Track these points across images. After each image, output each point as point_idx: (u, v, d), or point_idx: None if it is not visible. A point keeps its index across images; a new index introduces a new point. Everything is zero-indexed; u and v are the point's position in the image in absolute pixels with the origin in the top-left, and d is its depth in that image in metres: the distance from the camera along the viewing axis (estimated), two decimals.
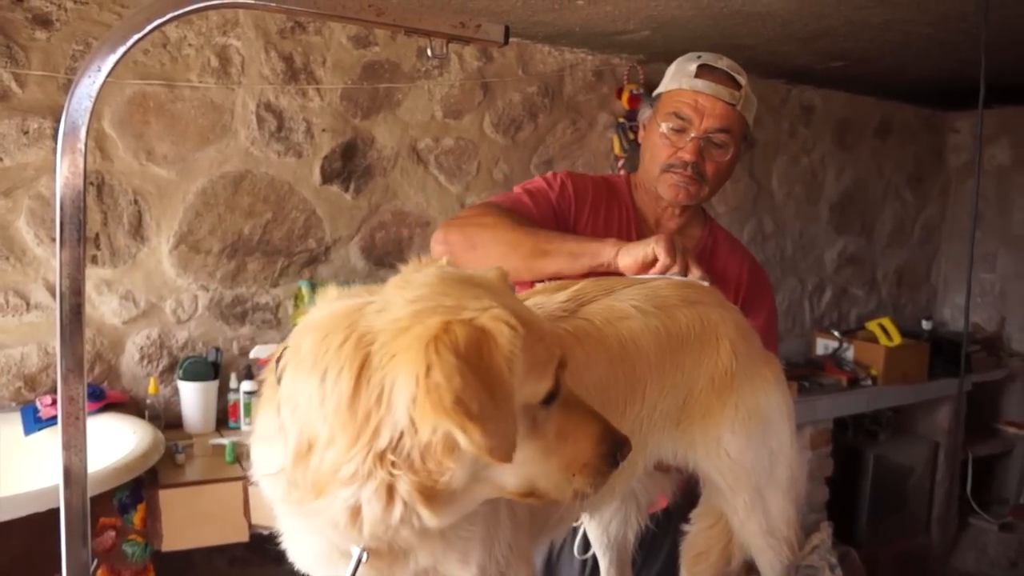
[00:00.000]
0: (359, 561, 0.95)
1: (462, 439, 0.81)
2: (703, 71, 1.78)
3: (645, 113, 1.92)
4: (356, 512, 0.88)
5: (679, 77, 1.80)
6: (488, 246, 1.65)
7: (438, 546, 0.99)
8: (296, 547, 1.06)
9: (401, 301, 0.89)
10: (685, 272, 1.45)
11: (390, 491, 0.87)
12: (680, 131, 1.79)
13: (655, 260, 1.47)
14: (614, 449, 0.98)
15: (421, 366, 0.82)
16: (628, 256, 1.51)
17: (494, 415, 0.83)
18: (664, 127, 1.80)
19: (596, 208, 1.87)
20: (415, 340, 0.84)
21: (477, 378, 0.83)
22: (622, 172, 2.02)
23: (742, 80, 1.79)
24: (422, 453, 0.85)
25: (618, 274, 1.53)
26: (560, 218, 1.83)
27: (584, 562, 1.91)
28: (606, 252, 1.55)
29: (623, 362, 1.25)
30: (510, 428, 0.86)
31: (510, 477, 0.93)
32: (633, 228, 1.89)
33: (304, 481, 0.89)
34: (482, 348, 0.85)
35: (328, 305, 0.95)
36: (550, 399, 0.94)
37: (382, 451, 0.84)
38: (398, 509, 0.87)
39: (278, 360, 0.95)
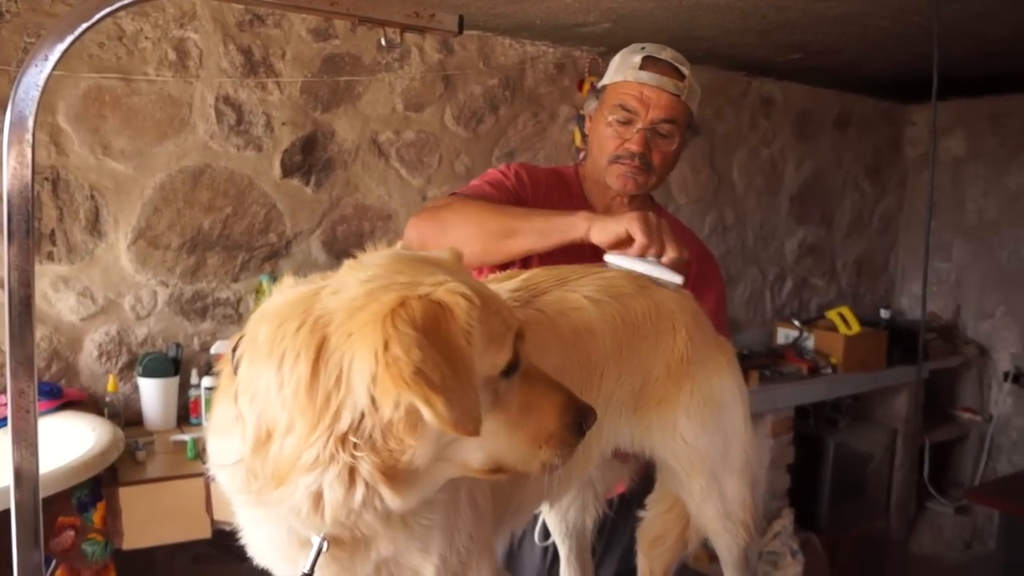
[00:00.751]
0: (319, 551, 0.95)
1: (426, 412, 0.81)
2: (647, 63, 1.80)
3: (591, 105, 1.94)
4: (318, 498, 0.87)
5: (624, 69, 1.83)
6: (459, 227, 1.65)
7: (400, 533, 0.98)
8: (254, 539, 1.05)
9: (355, 282, 0.89)
10: (661, 252, 1.45)
11: (352, 474, 0.86)
12: (626, 122, 1.81)
13: (630, 240, 1.46)
14: (579, 418, 0.98)
15: (379, 341, 0.81)
16: (602, 234, 1.50)
17: (456, 387, 0.83)
18: (611, 118, 1.83)
19: (549, 200, 1.89)
20: (371, 317, 0.83)
21: (437, 350, 0.83)
22: (581, 160, 2.04)
23: (686, 71, 1.83)
24: (384, 432, 0.85)
25: (593, 250, 1.54)
26: (520, 207, 1.84)
27: (545, 549, 1.93)
28: (578, 227, 1.54)
29: (577, 350, 1.25)
30: (473, 400, 0.86)
31: (475, 453, 0.92)
32: (576, 206, 1.90)
33: (264, 470, 0.88)
34: (439, 321, 0.85)
35: (283, 293, 0.94)
36: (510, 371, 0.93)
37: (343, 434, 0.84)
38: (360, 492, 0.87)
39: (234, 350, 0.94)
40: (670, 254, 1.46)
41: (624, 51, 1.87)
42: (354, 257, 0.97)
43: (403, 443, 0.85)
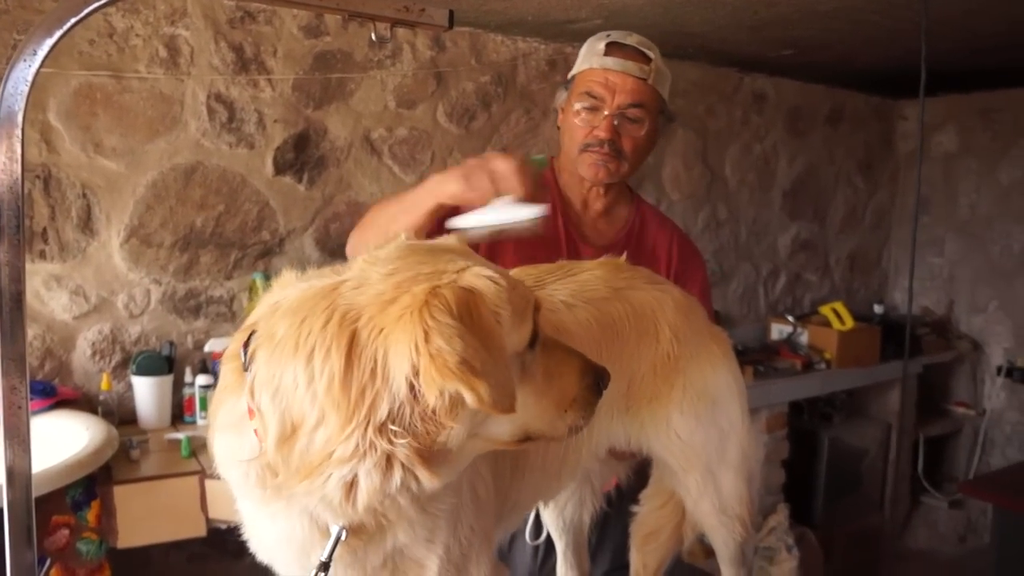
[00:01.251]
0: (337, 539, 0.96)
1: (470, 398, 0.83)
2: (612, 48, 1.80)
3: (561, 97, 1.94)
4: (351, 487, 0.88)
5: (589, 57, 1.83)
6: (369, 227, 1.68)
7: (419, 519, 1.00)
8: (263, 535, 1.05)
9: (378, 276, 0.90)
10: (494, 192, 1.43)
11: (389, 461, 0.87)
12: (594, 110, 1.81)
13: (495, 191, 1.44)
14: (596, 379, 1.02)
15: (419, 333, 0.83)
16: (440, 194, 1.51)
17: (494, 370, 0.85)
18: (578, 107, 1.83)
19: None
20: (405, 310, 0.85)
21: (475, 336, 0.85)
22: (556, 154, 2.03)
23: (652, 54, 1.81)
24: (423, 418, 0.86)
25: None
26: None
27: (536, 547, 1.93)
28: (425, 198, 1.54)
29: None
30: (509, 379, 0.89)
31: (506, 426, 0.95)
32: (559, 213, 1.91)
33: (288, 464, 0.89)
34: (472, 307, 0.87)
35: (291, 289, 0.95)
36: (533, 342, 0.97)
37: (382, 423, 0.85)
38: (397, 476, 0.88)
39: (245, 346, 0.94)
40: (508, 189, 1.42)
41: (590, 39, 1.87)
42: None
43: (440, 426, 0.87)
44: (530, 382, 0.96)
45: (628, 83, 1.78)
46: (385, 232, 1.55)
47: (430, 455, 0.88)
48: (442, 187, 1.52)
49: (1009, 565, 2.89)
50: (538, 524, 1.81)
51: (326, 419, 0.86)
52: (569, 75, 1.92)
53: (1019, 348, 5.04)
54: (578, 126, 1.84)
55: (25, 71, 0.78)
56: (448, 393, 0.84)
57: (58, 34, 0.80)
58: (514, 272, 1.35)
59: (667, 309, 1.42)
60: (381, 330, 0.85)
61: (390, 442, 0.86)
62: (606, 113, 1.79)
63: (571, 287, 1.35)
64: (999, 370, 5.06)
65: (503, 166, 1.44)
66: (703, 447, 1.42)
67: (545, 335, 1.01)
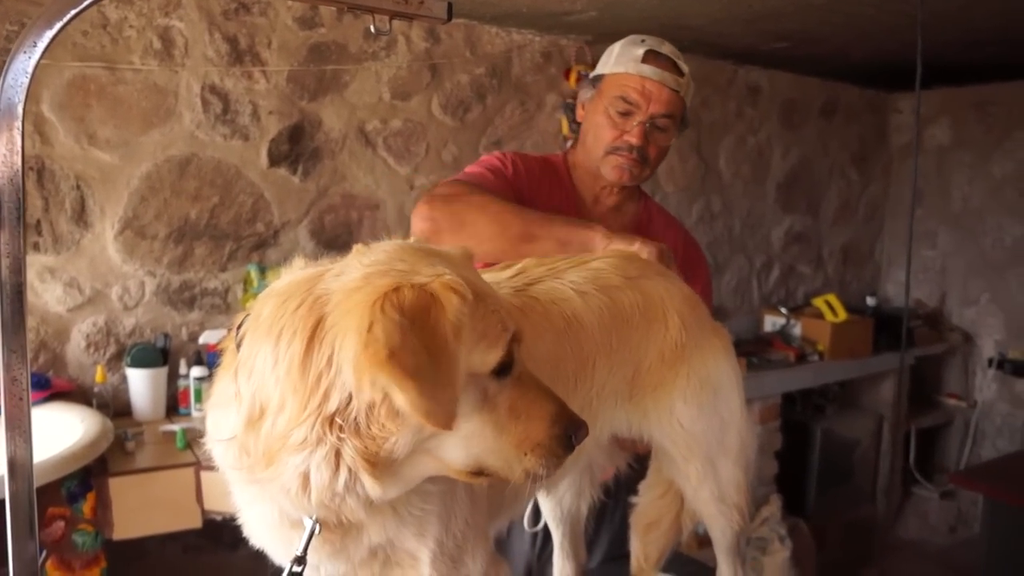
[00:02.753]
0: (312, 533, 0.95)
1: (398, 396, 0.82)
2: (649, 56, 1.82)
3: (587, 93, 1.94)
4: (306, 479, 0.88)
5: (625, 61, 1.84)
6: (477, 225, 1.63)
7: (390, 521, 0.99)
8: (249, 519, 1.05)
9: (357, 266, 0.91)
10: None
11: (337, 458, 0.87)
12: (626, 114, 1.83)
13: None
14: (569, 431, 0.97)
15: (365, 322, 0.82)
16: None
17: (433, 377, 0.83)
18: (611, 110, 1.84)
19: (541, 189, 1.90)
20: (363, 298, 0.85)
21: (418, 338, 0.83)
22: (569, 147, 2.04)
23: (684, 67, 1.85)
24: (367, 415, 0.85)
25: None
26: (518, 198, 1.84)
27: (534, 535, 1.94)
28: (596, 244, 1.56)
29: (569, 339, 1.26)
30: (450, 394, 0.86)
31: (457, 451, 0.92)
32: (572, 209, 1.92)
33: (256, 448, 0.89)
34: (428, 311, 0.86)
35: (291, 274, 0.96)
36: (501, 371, 0.93)
37: (331, 415, 0.85)
38: (343, 476, 0.87)
39: (239, 327, 0.95)
40: None
41: (624, 42, 1.88)
42: (344, 250, 0.98)
43: (384, 429, 0.86)
44: (491, 412, 0.92)
45: (664, 93, 1.81)
46: (499, 246, 1.57)
47: (376, 461, 0.87)
48: (584, 233, 1.57)
49: (998, 555, 2.91)
50: (536, 511, 1.82)
51: (286, 403, 0.86)
52: (594, 73, 1.93)
53: (1010, 340, 5.07)
54: (607, 127, 1.86)
55: (25, 63, 0.78)
56: (380, 387, 0.83)
57: (58, 26, 0.80)
58: (529, 261, 1.36)
59: (676, 298, 1.43)
60: (344, 314, 0.85)
61: (338, 437, 0.85)
62: (639, 120, 1.82)
63: (584, 275, 1.35)
64: (990, 362, 5.09)
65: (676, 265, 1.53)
66: (704, 436, 1.43)
67: (525, 371, 0.98)
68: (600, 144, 1.87)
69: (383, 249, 0.94)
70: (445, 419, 0.84)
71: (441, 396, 0.84)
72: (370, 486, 0.88)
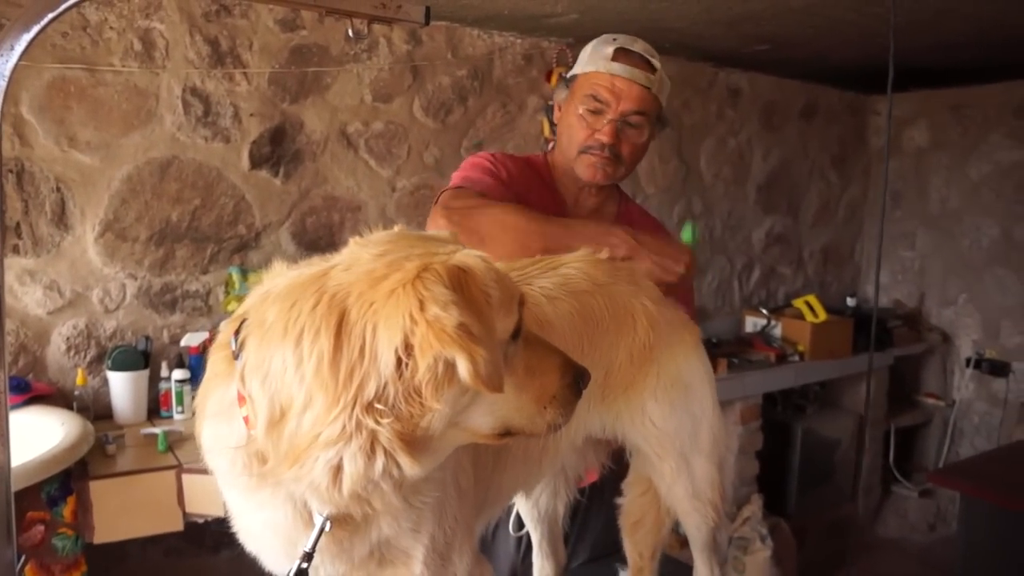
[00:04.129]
0: (321, 530, 0.96)
1: (466, 367, 0.83)
2: (620, 54, 1.81)
3: (561, 94, 1.94)
4: (337, 472, 0.89)
5: (596, 59, 1.84)
6: (497, 241, 1.61)
7: (402, 510, 1.00)
8: (250, 525, 1.05)
9: (369, 256, 0.91)
10: None
11: (373, 445, 0.88)
12: (597, 113, 1.83)
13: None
14: (577, 378, 1.02)
15: (414, 303, 0.84)
16: (624, 249, 1.56)
17: (489, 342, 0.86)
18: (582, 109, 1.84)
19: (531, 190, 1.90)
20: (398, 283, 0.86)
21: (470, 308, 0.86)
22: (550, 148, 2.05)
23: (656, 63, 1.84)
24: (407, 396, 0.86)
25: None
26: (514, 200, 1.83)
27: (519, 539, 1.95)
28: (620, 245, 1.56)
29: None
30: (499, 358, 0.89)
31: (485, 417, 0.95)
32: (557, 210, 1.92)
33: (277, 450, 0.90)
34: (464, 282, 0.88)
35: (282, 277, 0.96)
36: (516, 334, 0.97)
37: (369, 402, 0.86)
38: (379, 461, 0.88)
39: (236, 334, 0.95)
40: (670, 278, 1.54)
41: (596, 41, 1.88)
42: (326, 252, 0.99)
43: (424, 407, 0.87)
44: (512, 375, 0.96)
45: (634, 91, 1.80)
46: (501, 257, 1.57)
47: (412, 440, 0.89)
48: (607, 239, 1.55)
49: (975, 552, 2.94)
50: (521, 516, 1.83)
51: (313, 401, 0.86)
52: (570, 73, 1.93)
53: (988, 340, 5.12)
54: (579, 127, 1.85)
55: (3, 67, 0.79)
56: (441, 362, 0.84)
57: (35, 29, 0.80)
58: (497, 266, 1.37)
59: (643, 298, 1.44)
60: (371, 304, 0.86)
61: (376, 422, 0.86)
62: (610, 118, 1.81)
63: (554, 280, 1.37)
64: (968, 362, 5.14)
65: (681, 260, 1.55)
66: (676, 433, 1.44)
67: (528, 331, 1.02)
68: (573, 144, 1.87)
69: (384, 240, 0.96)
70: (500, 382, 0.88)
71: (497, 361, 0.87)
72: (408, 465, 0.90)
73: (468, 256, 0.92)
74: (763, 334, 4.60)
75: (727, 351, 4.27)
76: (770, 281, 5.17)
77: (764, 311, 4.72)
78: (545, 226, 1.66)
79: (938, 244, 5.32)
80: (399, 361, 0.85)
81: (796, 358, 4.45)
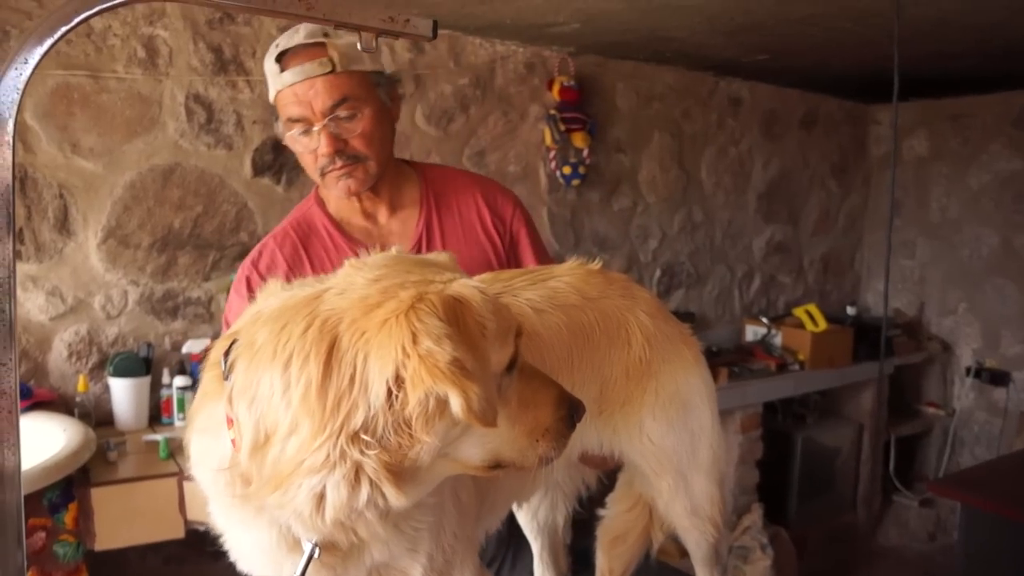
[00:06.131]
0: (311, 556, 0.95)
1: (458, 402, 0.82)
2: (284, 59, 1.59)
3: (278, 129, 1.71)
4: (320, 500, 0.87)
5: (272, 80, 1.63)
6: None
7: (393, 537, 0.99)
8: (239, 543, 1.05)
9: (363, 281, 0.90)
10: None
11: (357, 475, 0.86)
12: (306, 132, 1.61)
13: None
14: (571, 411, 1.00)
15: (406, 335, 0.82)
16: None
17: (482, 376, 0.84)
18: (291, 135, 1.63)
19: (300, 265, 1.70)
20: (391, 314, 0.84)
21: (464, 342, 0.84)
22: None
23: (327, 39, 1.57)
24: (396, 428, 0.85)
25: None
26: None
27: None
28: None
29: (531, 353, 1.26)
30: (493, 392, 0.87)
31: (475, 449, 0.93)
32: (344, 248, 1.71)
33: (260, 474, 0.88)
34: (459, 314, 0.86)
35: (275, 297, 0.95)
36: (511, 366, 0.95)
37: (355, 432, 0.84)
38: (364, 491, 0.87)
39: (226, 354, 0.94)
40: None
41: (265, 58, 1.66)
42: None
43: (413, 439, 0.86)
44: (505, 407, 0.94)
45: (317, 85, 1.56)
46: None
47: (399, 471, 0.87)
48: None
49: (975, 562, 2.94)
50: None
51: (299, 427, 0.85)
52: (271, 102, 1.70)
53: (987, 349, 5.13)
54: (303, 154, 1.65)
55: (16, 79, 0.79)
56: (432, 398, 0.83)
57: (49, 42, 0.81)
58: (480, 278, 1.34)
59: (638, 313, 1.43)
60: (363, 334, 0.84)
61: (362, 452, 0.85)
62: (317, 129, 1.59)
63: (541, 293, 1.34)
64: (968, 371, 5.15)
65: None
66: (675, 451, 1.43)
67: (524, 362, 1.00)
68: (313, 172, 1.66)
69: (380, 263, 0.94)
70: (494, 417, 0.86)
71: (491, 395, 0.86)
72: (393, 496, 0.88)
73: (464, 286, 0.90)
74: (763, 343, 4.61)
75: (727, 360, 4.27)
76: (770, 290, 5.18)
77: (764, 320, 4.73)
78: None
79: (938, 253, 5.33)
80: (389, 393, 0.83)
81: (796, 367, 4.45)
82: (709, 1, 2.99)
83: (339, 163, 1.61)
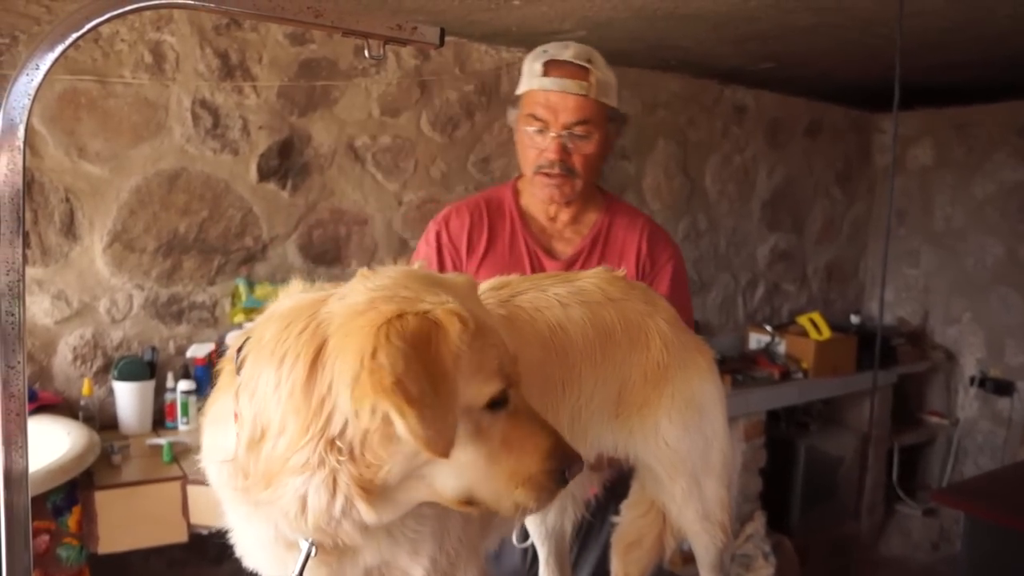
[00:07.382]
0: (308, 555, 0.96)
1: (399, 423, 0.83)
2: (549, 67, 1.79)
3: (512, 116, 1.93)
4: (304, 502, 0.89)
5: (529, 77, 1.82)
6: None
7: (384, 543, 1.00)
8: (243, 538, 1.06)
9: (362, 289, 0.91)
10: None
11: (335, 482, 0.87)
12: (541, 132, 1.81)
13: None
14: (563, 466, 0.96)
15: (367, 347, 0.83)
16: None
17: (433, 404, 0.84)
18: (526, 129, 1.83)
19: (480, 234, 1.91)
20: (367, 323, 0.85)
21: (422, 366, 0.84)
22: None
23: (591, 66, 1.79)
24: (362, 441, 0.86)
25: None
26: (454, 263, 1.88)
27: (524, 551, 1.94)
28: None
29: (555, 346, 1.29)
30: (449, 422, 0.86)
31: (449, 480, 0.92)
32: (520, 235, 1.92)
33: (255, 469, 0.90)
34: (431, 339, 0.86)
35: (292, 297, 0.97)
36: (495, 405, 0.93)
37: (333, 438, 0.86)
38: (339, 501, 0.88)
39: (239, 349, 0.96)
40: None
41: (529, 56, 1.86)
42: (332, 265, 0.99)
43: (378, 457, 0.87)
44: (484, 443, 0.92)
45: (569, 102, 1.77)
46: None
47: (370, 488, 0.88)
48: None
49: (979, 572, 2.93)
50: (525, 527, 1.83)
51: (287, 426, 0.86)
52: (516, 92, 1.92)
53: (992, 359, 5.12)
54: (528, 147, 1.85)
55: (27, 85, 0.80)
56: (380, 414, 0.84)
57: (60, 49, 0.82)
58: (514, 277, 1.39)
59: (657, 319, 1.45)
60: (344, 338, 0.86)
61: (337, 461, 0.86)
62: (552, 134, 1.79)
63: (568, 290, 1.38)
64: (972, 380, 5.14)
65: None
66: (689, 455, 1.44)
67: (523, 404, 0.98)
68: (527, 165, 1.87)
69: (388, 274, 0.95)
70: (444, 447, 0.85)
71: (441, 424, 0.85)
72: (364, 512, 0.89)
73: (449, 311, 0.88)
74: (767, 351, 4.60)
75: (731, 368, 4.27)
76: (774, 298, 5.18)
77: (768, 328, 4.72)
78: None
79: (942, 262, 5.32)
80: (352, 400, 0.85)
81: (800, 375, 4.45)
82: (715, 10, 3.00)
83: (556, 170, 1.81)
